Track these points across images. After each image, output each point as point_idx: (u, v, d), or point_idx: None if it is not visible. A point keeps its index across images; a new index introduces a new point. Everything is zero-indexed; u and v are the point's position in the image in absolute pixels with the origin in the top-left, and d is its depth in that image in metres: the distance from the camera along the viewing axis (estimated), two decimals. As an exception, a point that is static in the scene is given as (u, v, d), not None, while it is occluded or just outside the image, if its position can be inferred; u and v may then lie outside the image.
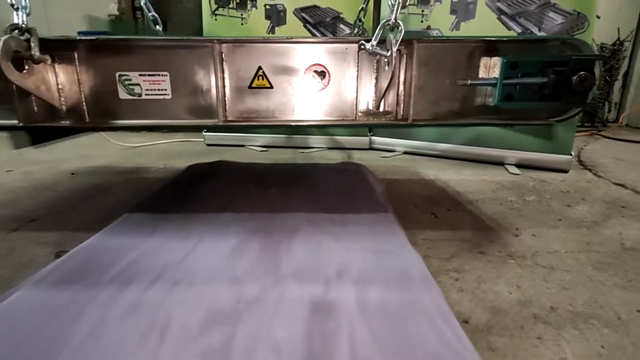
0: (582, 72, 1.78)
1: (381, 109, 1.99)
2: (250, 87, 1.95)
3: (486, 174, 3.85)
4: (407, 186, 3.43)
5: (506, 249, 2.30)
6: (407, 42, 1.90)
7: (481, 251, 2.27)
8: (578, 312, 1.78)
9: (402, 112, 1.99)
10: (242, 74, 1.93)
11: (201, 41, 1.90)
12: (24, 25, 1.79)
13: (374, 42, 1.86)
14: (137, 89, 1.90)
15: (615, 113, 7.56)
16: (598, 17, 6.03)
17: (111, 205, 2.92)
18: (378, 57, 1.91)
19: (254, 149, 5.06)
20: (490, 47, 1.91)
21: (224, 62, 1.91)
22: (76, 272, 1.86)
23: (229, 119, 1.97)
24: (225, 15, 4.78)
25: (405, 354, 1.41)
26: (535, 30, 3.77)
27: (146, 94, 1.91)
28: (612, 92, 7.41)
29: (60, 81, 1.90)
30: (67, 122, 1.94)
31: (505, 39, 1.92)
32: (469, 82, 1.92)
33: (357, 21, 3.79)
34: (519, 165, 4.11)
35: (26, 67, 1.77)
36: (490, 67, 1.92)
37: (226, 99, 1.95)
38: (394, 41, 1.82)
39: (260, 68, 1.93)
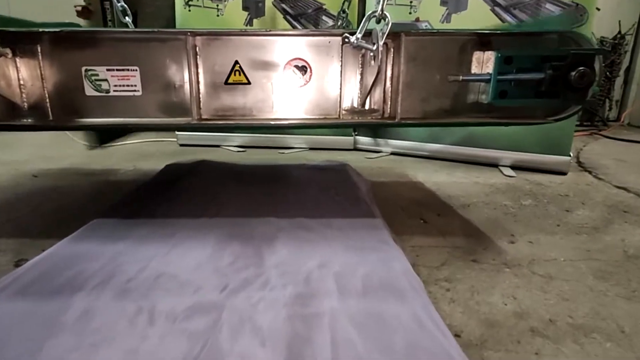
0: (581, 67, 1.79)
1: (367, 107, 1.99)
2: (226, 83, 1.94)
3: (479, 177, 3.86)
4: (394, 189, 3.43)
5: (501, 257, 2.31)
6: (395, 35, 1.90)
7: (474, 259, 2.28)
8: (578, 324, 1.78)
9: (389, 110, 1.99)
10: (217, 69, 1.93)
11: (173, 33, 1.89)
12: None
13: (359, 35, 1.85)
14: (104, 85, 1.89)
15: (617, 111, 7.61)
16: (598, 9, 6.06)
17: (74, 210, 2.90)
18: (363, 51, 1.92)
19: (230, 149, 5.06)
20: (483, 40, 1.92)
21: (198, 56, 1.90)
22: (40, 281, 1.84)
23: (204, 117, 1.97)
24: (199, 6, 4.76)
25: (383, 336, 1.52)
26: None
27: (114, 90, 1.90)
28: (613, 89, 7.45)
29: (21, 76, 1.88)
30: (29, 120, 1.92)
31: (499, 32, 1.93)
32: (461, 78, 1.93)
33: (341, 12, 3.78)
34: (514, 167, 4.13)
35: (-16, 61, 1.75)
36: (484, 62, 1.92)
37: (200, 95, 1.94)
38: (381, 34, 1.82)
39: (237, 63, 1.92)
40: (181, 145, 5.25)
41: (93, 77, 1.88)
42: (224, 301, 1.68)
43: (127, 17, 2.68)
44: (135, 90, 1.90)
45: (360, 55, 1.93)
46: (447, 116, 2.00)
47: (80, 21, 6.13)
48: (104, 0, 6.32)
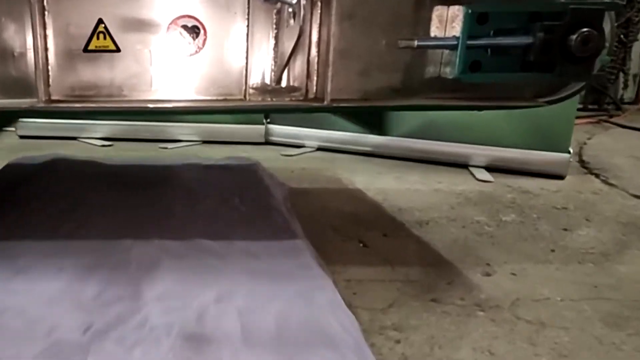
0: (584, 29, 1.81)
1: (284, 84, 2.00)
2: (86, 50, 1.91)
3: (442, 182, 3.91)
4: (322, 200, 3.45)
5: (472, 296, 2.34)
6: (323, -18, 1.92)
7: (434, 298, 2.31)
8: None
9: (315, 88, 1.99)
10: (73, 31, 1.90)
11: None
12: None
13: (272, -19, 1.87)
14: None
15: (634, 90, 7.72)
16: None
17: None
18: (279, 5, 1.92)
19: (91, 142, 5.02)
20: (447, -11, 1.95)
21: (46, 13, 1.87)
22: None
23: (54, 98, 1.94)
24: None
25: None
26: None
27: None
28: (630, 59, 7.48)
29: None
30: None
31: (470, -22, 1.96)
32: (416, 43, 1.94)
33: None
34: (490, 169, 4.19)
35: None
36: (448, 22, 1.95)
37: (49, 68, 1.91)
38: (303, -21, 1.84)
39: (100, 22, 1.90)
40: (21, 137, 5.17)
41: None
42: (87, 345, 1.65)
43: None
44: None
45: (275, 11, 1.93)
46: (396, 97, 2.01)
47: None
48: None
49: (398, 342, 2.01)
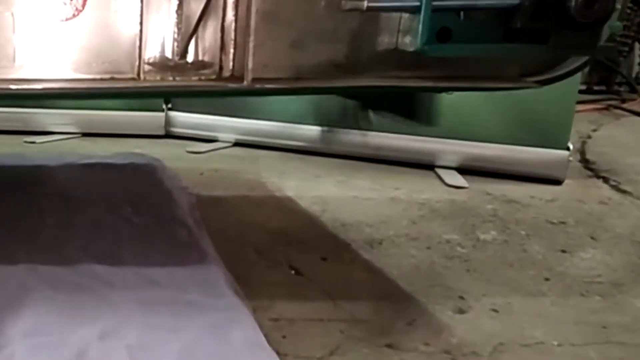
0: (587, -13, 1.84)
1: (190, 59, 2.00)
2: None
3: (400, 188, 3.93)
4: (241, 212, 3.47)
5: (440, 339, 2.36)
6: None
7: (390, 343, 2.32)
8: None
9: (231, 64, 2.00)
10: None
11: None
12: None
13: None
14: None
15: (654, 67, 7.80)
16: None
17: None
18: (183, -47, 1.94)
19: None
20: None
21: None
22: None
23: None
24: None
25: None
26: None
27: None
28: (647, 27, 7.59)
29: None
30: None
31: None
32: (366, 4, 1.95)
33: None
34: (464, 170, 4.22)
35: None
36: (409, -25, 1.97)
37: None
38: None
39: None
40: None
41: None
42: None
43: None
44: None
45: (178, -41, 1.95)
46: (339, 76, 2.03)
47: None
48: None
49: (341, 405, 2.02)
